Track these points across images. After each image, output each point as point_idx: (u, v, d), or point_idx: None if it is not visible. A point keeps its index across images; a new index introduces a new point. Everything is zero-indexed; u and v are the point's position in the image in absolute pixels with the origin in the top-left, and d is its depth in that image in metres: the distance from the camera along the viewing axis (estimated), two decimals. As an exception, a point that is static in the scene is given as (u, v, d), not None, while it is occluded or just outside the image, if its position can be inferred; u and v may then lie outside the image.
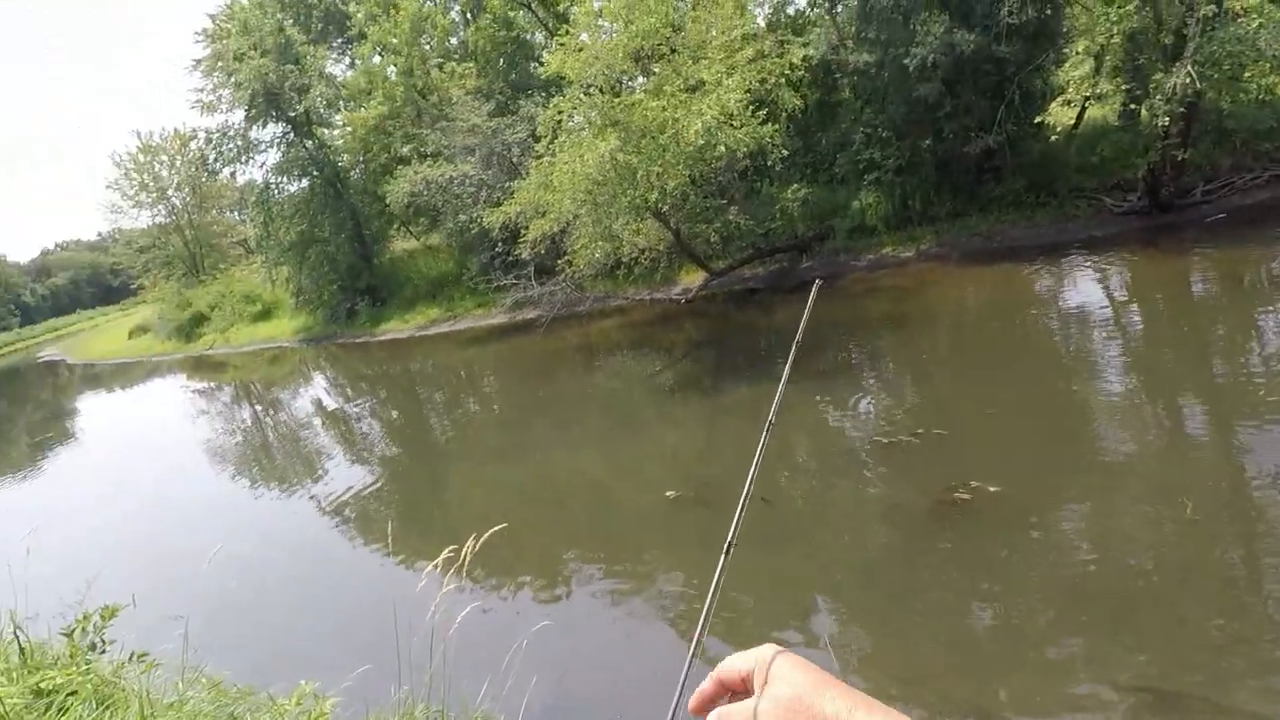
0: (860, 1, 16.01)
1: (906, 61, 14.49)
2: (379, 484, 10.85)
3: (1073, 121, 17.15)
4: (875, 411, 9.13)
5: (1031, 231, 14.87)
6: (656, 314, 17.12)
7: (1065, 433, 7.11)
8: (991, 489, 6.06)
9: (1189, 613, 4.48)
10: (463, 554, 3.88)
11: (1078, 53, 15.73)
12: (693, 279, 17.65)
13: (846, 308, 14.13)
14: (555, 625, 5.65)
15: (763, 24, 17.82)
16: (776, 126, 13.80)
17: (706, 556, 6.55)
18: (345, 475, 11.33)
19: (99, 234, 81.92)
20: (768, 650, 0.76)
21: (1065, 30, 14.93)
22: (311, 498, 10.68)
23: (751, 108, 13.22)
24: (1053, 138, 16.44)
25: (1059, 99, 17.18)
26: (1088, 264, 12.70)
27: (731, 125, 12.90)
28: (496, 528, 4.03)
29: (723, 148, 12.84)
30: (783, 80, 13.83)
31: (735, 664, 0.78)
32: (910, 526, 6.15)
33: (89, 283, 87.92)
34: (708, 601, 0.92)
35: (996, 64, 14.36)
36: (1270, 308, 9.29)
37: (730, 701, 0.76)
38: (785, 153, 14.27)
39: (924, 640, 4.86)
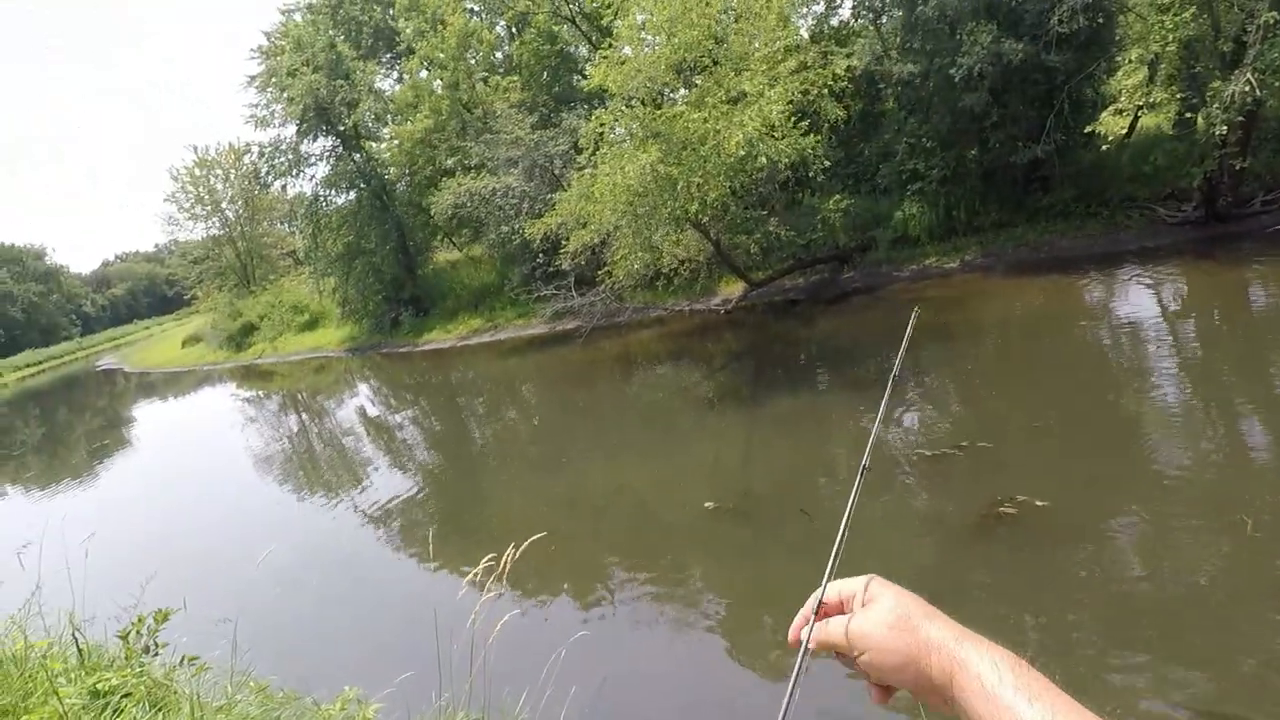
0: (905, 12, 15.88)
1: (952, 71, 14.31)
2: (420, 492, 11.00)
3: (1125, 131, 16.70)
4: (919, 424, 8.96)
5: (1081, 242, 14.49)
6: (696, 325, 17.10)
7: (1115, 446, 6.89)
8: (1039, 503, 5.90)
9: (1245, 632, 4.29)
10: (502, 563, 3.91)
11: (1130, 61, 15.31)
12: (732, 290, 17.60)
13: (888, 318, 13.93)
14: (594, 635, 5.67)
15: (806, 36, 17.76)
16: (819, 137, 13.72)
17: (745, 567, 6.51)
18: (387, 483, 11.52)
19: (155, 246, 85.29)
20: (866, 577, 0.76)
21: (1118, 38, 14.55)
22: (354, 505, 10.88)
23: (793, 119, 13.18)
24: (1104, 147, 16.02)
25: (1110, 108, 16.74)
26: (1141, 275, 12.31)
27: (773, 136, 12.87)
28: (536, 536, 4.05)
29: (764, 159, 12.81)
30: (825, 91, 13.75)
31: (836, 587, 0.79)
32: (955, 541, 6.02)
33: (146, 293, 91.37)
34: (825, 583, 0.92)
35: (1046, 73, 14.07)
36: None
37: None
38: (827, 163, 14.16)
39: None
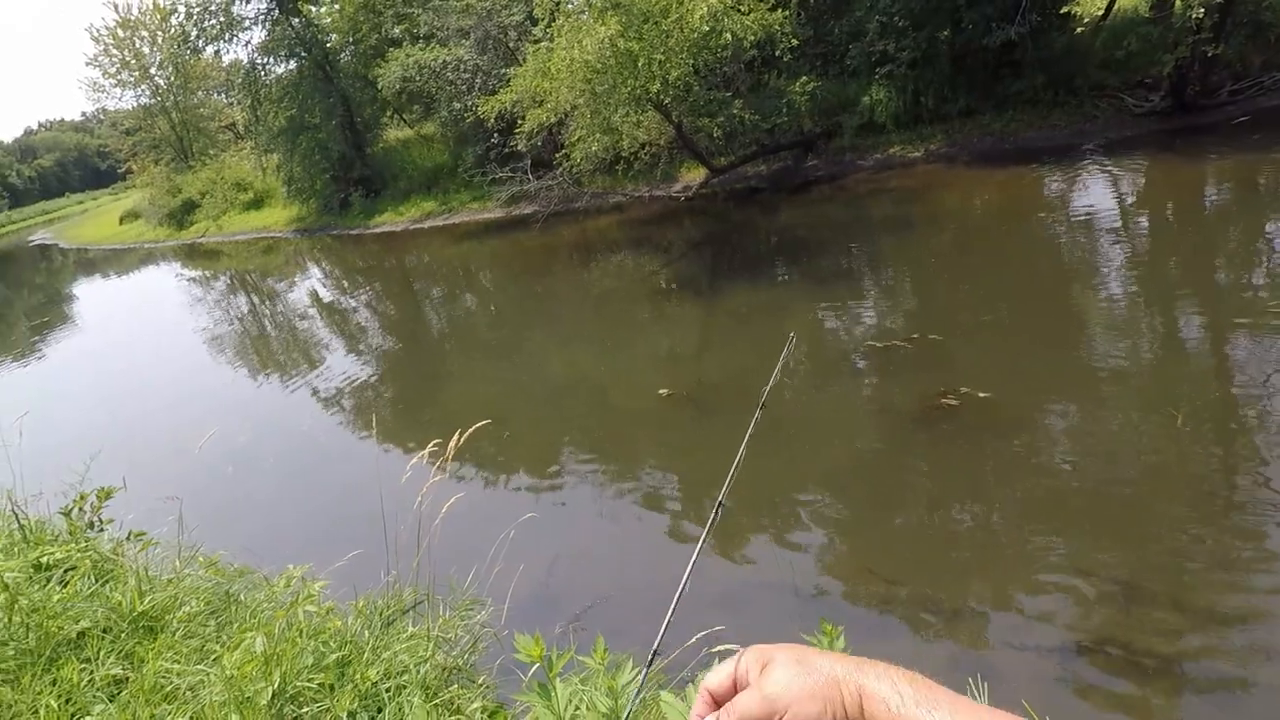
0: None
1: (930, -58, 13.52)
2: (372, 376, 10.95)
3: (1101, 12, 16.18)
4: (872, 316, 9.09)
5: (1046, 133, 14.34)
6: (655, 212, 16.77)
7: (1061, 341, 7.10)
8: (981, 395, 6.10)
9: (1163, 517, 4.61)
10: (449, 445, 3.93)
11: (1114, -64, 14.65)
12: (694, 176, 17.17)
13: (849, 209, 13.83)
14: (544, 517, 5.84)
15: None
16: (786, 13, 13.05)
17: (696, 451, 6.70)
18: (339, 366, 11.43)
19: (83, 114, 79.30)
20: (739, 652, 0.75)
21: (1103, -90, 13.85)
22: (306, 387, 10.81)
23: (760, -9, 12.47)
24: (1079, 30, 15.55)
25: (1089, -12, 16.15)
26: (1101, 168, 12.33)
27: (739, 11, 12.20)
28: (481, 423, 4.07)
29: (729, 35, 12.19)
30: (796, -39, 12.96)
31: (716, 676, 0.76)
32: (898, 430, 6.24)
33: (76, 165, 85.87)
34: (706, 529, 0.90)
35: (1026, -54, 13.40)
36: (1282, 218, 9.09)
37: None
38: (795, 42, 13.52)
39: (904, 540, 5.02)
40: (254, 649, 2.69)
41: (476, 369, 10.56)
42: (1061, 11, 14.22)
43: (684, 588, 0.82)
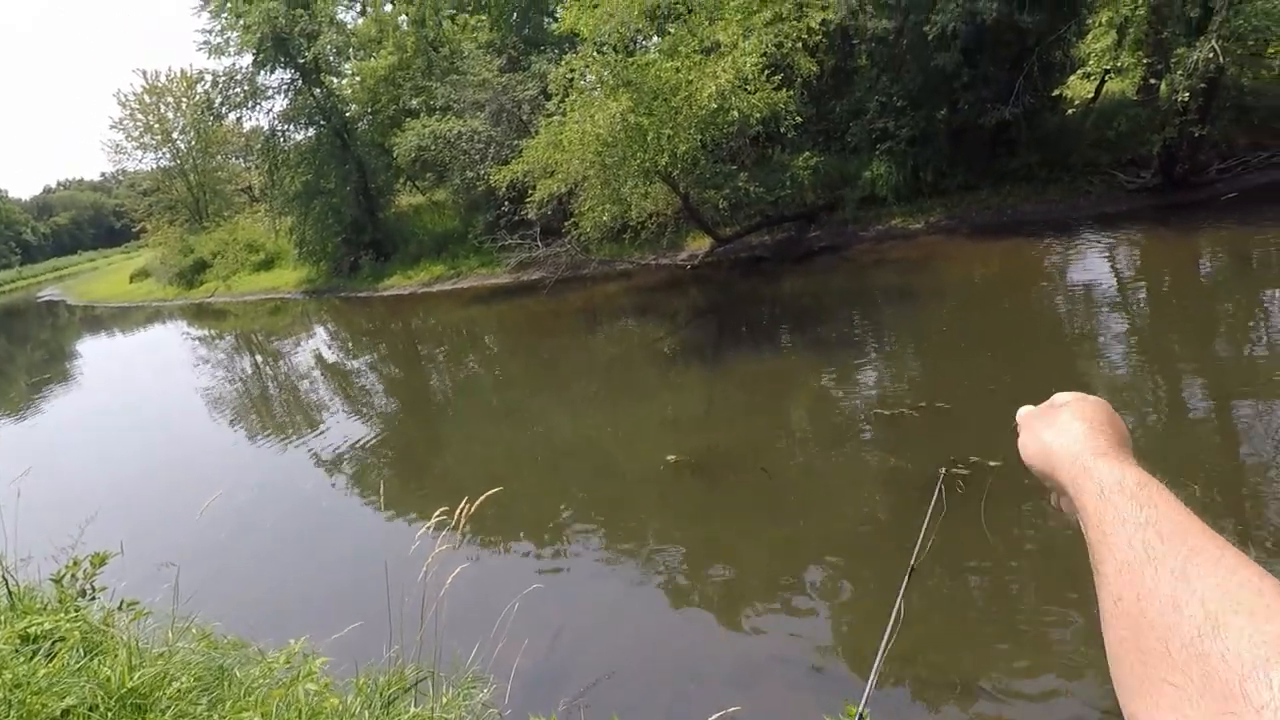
0: (882, -36, 15.59)
1: (926, 29, 14.17)
2: (376, 440, 10.90)
3: (1091, 95, 16.79)
4: (878, 383, 9.12)
5: (1043, 207, 14.70)
6: (662, 279, 17.02)
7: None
8: (991, 463, 6.06)
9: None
10: (456, 515, 3.89)
11: (1101, 24, 15.31)
12: (699, 245, 17.50)
13: (853, 279, 14.03)
14: (549, 588, 5.72)
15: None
16: (791, 93, 13.54)
17: (703, 521, 6.62)
18: (343, 429, 11.38)
19: (102, 174, 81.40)
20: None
21: (1089, 0, 14.53)
22: (309, 450, 10.74)
23: (766, 72, 12.95)
24: (1070, 112, 16.13)
25: (1078, 72, 16.80)
26: (1098, 241, 12.58)
27: (746, 90, 12.66)
28: (491, 491, 4.03)
29: (736, 113, 12.62)
30: (799, 45, 13.52)
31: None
32: (908, 498, 6.17)
33: (91, 223, 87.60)
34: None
35: (1018, 34, 14.02)
36: (1277, 288, 9.21)
37: None
38: (799, 119, 14.02)
39: (919, 613, 4.91)
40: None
41: (481, 432, 10.53)
42: (1053, 94, 14.78)
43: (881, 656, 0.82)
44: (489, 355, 15.74)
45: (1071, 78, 16.33)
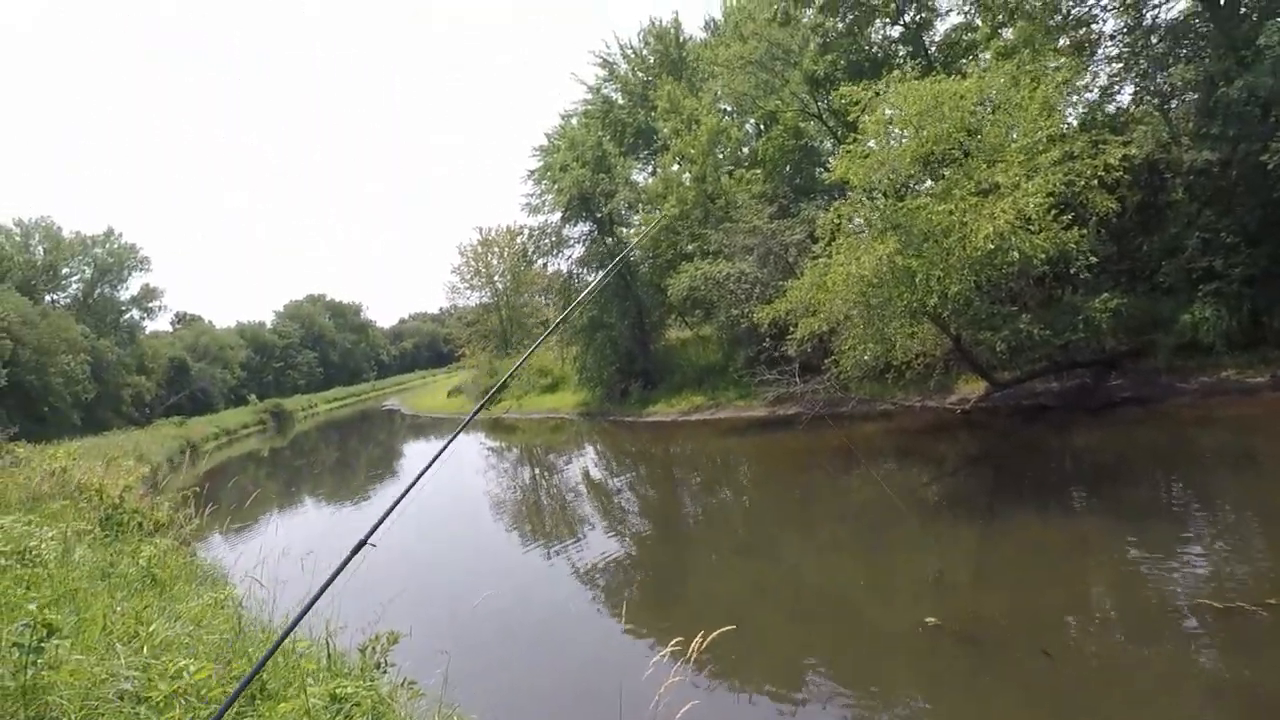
0: (1203, 95, 14.22)
1: (1264, 158, 12.41)
2: (627, 558, 11.31)
3: None
4: (1207, 566, 7.49)
5: None
6: (927, 423, 16.00)
7: None
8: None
9: None
10: (690, 648, 3.94)
11: None
12: (972, 389, 16.29)
13: (1168, 437, 12.00)
14: (782, 740, 5.37)
15: (1075, 124, 16.42)
16: (1084, 232, 12.51)
17: (967, 701, 5.80)
18: (598, 543, 12.02)
19: (439, 309, 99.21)
20: None
21: None
22: (567, 559, 11.47)
23: (1054, 211, 12.17)
24: None
25: None
26: None
27: (1028, 230, 11.97)
28: (724, 629, 4.03)
29: (1017, 254, 11.92)
30: (1095, 182, 12.57)
31: None
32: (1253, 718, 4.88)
33: (428, 348, 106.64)
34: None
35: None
36: None
37: None
38: (1094, 259, 12.79)
39: None
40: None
41: (725, 563, 10.46)
42: None
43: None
44: (740, 486, 15.78)
45: None
